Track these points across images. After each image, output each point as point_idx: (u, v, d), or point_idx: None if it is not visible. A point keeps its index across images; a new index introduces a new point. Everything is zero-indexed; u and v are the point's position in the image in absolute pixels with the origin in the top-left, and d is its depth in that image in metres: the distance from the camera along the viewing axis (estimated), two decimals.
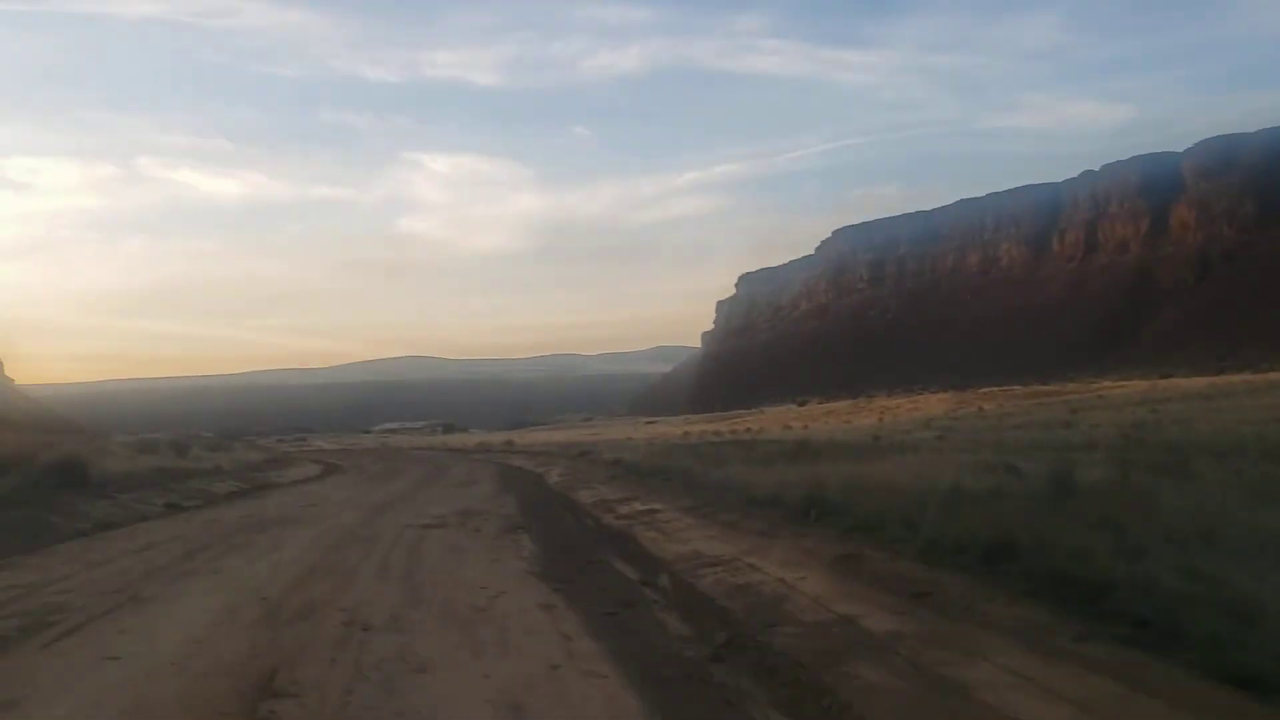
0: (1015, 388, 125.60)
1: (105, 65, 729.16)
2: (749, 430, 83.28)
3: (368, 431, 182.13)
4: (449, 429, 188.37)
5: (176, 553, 13.76)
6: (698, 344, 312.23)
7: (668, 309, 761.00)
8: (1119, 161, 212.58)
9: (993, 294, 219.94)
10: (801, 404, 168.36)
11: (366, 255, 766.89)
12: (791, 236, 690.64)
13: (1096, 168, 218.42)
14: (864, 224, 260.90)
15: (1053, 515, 10.17)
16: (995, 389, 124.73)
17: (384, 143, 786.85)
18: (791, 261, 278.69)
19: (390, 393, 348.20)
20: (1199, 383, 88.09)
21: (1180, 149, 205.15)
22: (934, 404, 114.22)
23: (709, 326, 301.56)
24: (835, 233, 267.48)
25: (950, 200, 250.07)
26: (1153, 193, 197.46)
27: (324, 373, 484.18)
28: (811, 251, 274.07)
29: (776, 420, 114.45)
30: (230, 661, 7.33)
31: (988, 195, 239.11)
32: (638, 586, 10.52)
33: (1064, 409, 72.19)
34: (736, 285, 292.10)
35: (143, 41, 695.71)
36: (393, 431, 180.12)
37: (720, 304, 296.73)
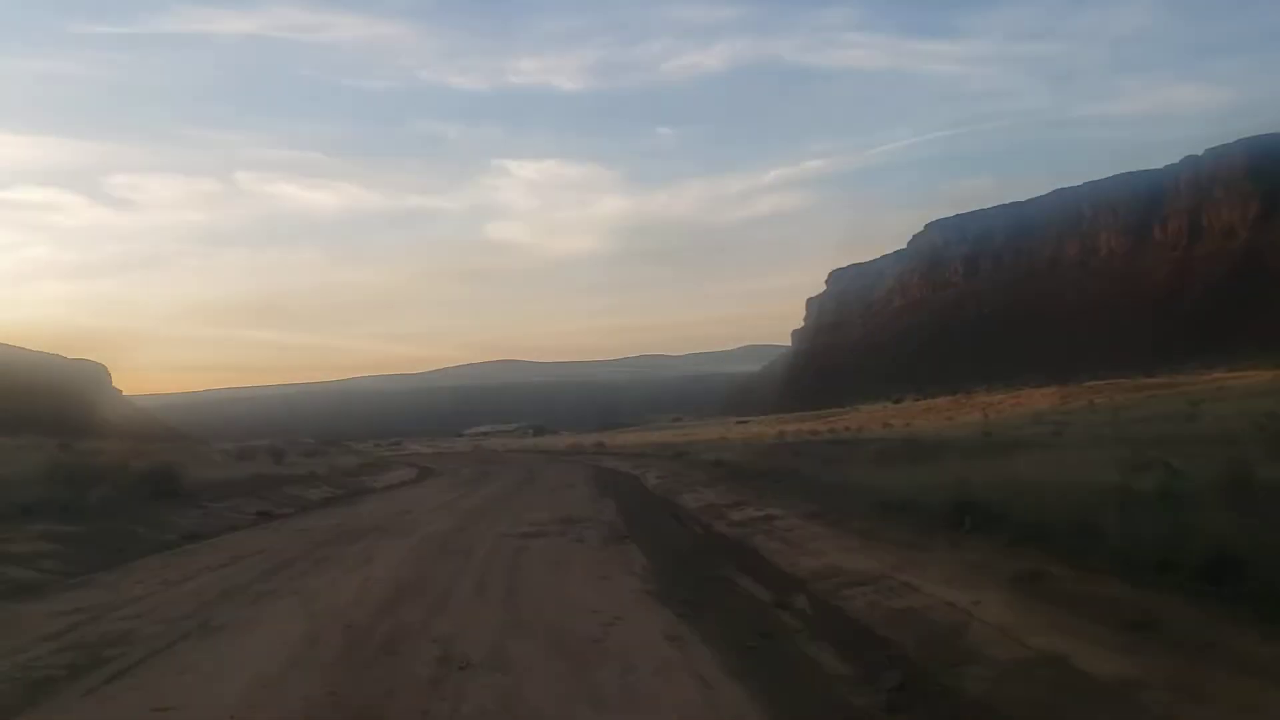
0: (1122, 380, 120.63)
1: (202, 82, 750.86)
2: (847, 428, 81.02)
3: (460, 435, 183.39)
4: (539, 431, 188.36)
5: (259, 569, 12.70)
6: (787, 342, 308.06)
7: (755, 308, 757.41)
8: (1224, 144, 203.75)
9: (1092, 285, 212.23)
10: (897, 401, 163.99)
11: (457, 262, 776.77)
12: (881, 232, 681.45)
13: (1199, 152, 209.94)
14: (957, 216, 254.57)
15: (1257, 520, 8.46)
16: (1101, 382, 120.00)
17: (472, 150, 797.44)
18: (883, 256, 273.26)
19: (482, 397, 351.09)
20: None
21: None
22: (1038, 398, 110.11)
23: (798, 324, 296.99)
24: (928, 225, 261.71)
25: (1045, 190, 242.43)
26: (1262, 175, 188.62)
27: (417, 378, 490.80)
28: (903, 246, 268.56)
29: (873, 418, 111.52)
30: (302, 713, 6.07)
31: (1085, 184, 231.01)
32: (773, 610, 9.02)
33: (1181, 401, 68.58)
34: (827, 281, 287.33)
35: (238, 58, 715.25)
36: (485, 435, 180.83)
37: (810, 301, 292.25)
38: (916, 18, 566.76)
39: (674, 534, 15.60)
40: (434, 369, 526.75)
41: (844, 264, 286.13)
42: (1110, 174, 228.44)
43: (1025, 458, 20.47)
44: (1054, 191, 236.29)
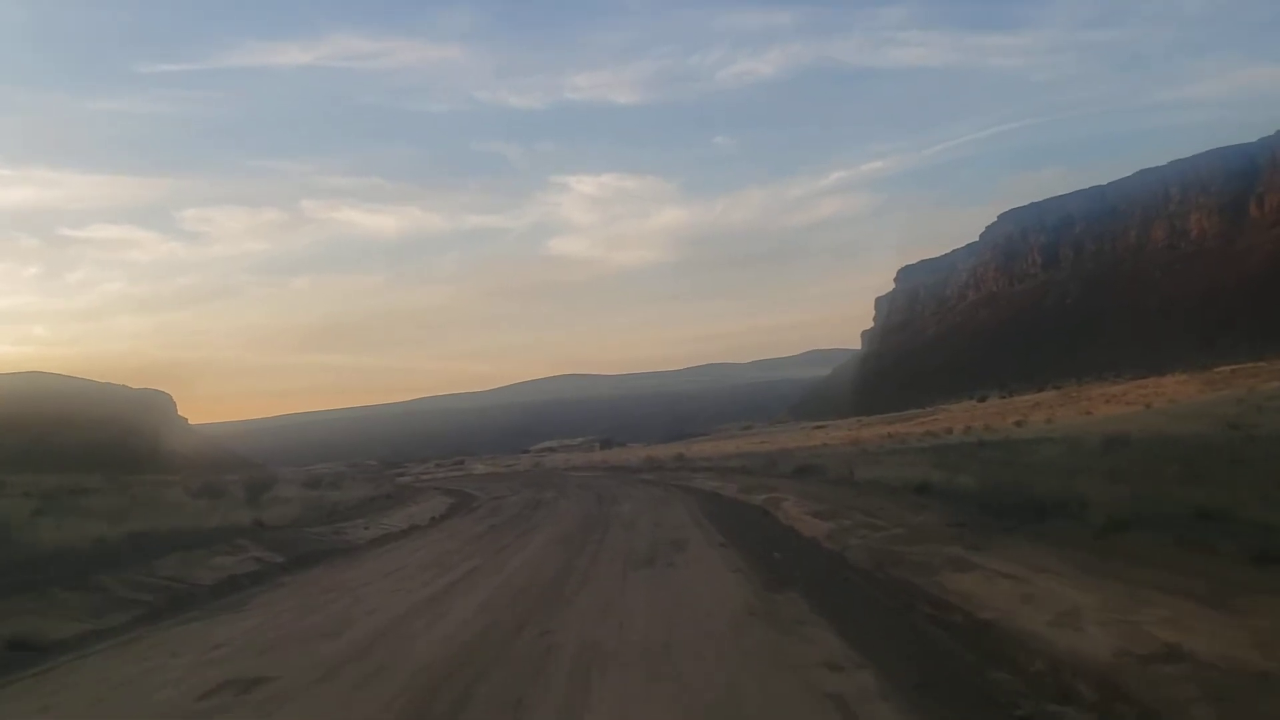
0: (1259, 364, 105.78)
1: (266, 115, 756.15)
2: (967, 429, 67.95)
3: (525, 451, 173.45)
4: (606, 444, 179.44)
5: None
6: (853, 345, 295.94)
7: (820, 312, 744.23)
8: None
9: (1184, 269, 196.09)
10: (982, 400, 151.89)
11: (520, 279, 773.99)
12: (948, 230, 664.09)
13: None
14: (1034, 204, 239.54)
15: None
16: (1242, 365, 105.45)
17: (531, 168, 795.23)
18: (954, 250, 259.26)
19: (548, 411, 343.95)
20: None
21: None
22: (1174, 387, 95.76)
23: (864, 327, 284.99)
24: (1002, 216, 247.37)
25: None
26: None
27: (486, 395, 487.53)
28: (975, 239, 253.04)
29: (982, 417, 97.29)
30: None
31: (1170, 163, 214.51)
32: None
33: None
34: (896, 279, 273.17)
35: (299, 90, 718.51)
36: (551, 450, 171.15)
37: (880, 300, 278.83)
38: (976, 11, 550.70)
39: None
40: (501, 385, 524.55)
41: (913, 261, 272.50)
42: (1195, 153, 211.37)
43: None
44: (1138, 172, 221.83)
